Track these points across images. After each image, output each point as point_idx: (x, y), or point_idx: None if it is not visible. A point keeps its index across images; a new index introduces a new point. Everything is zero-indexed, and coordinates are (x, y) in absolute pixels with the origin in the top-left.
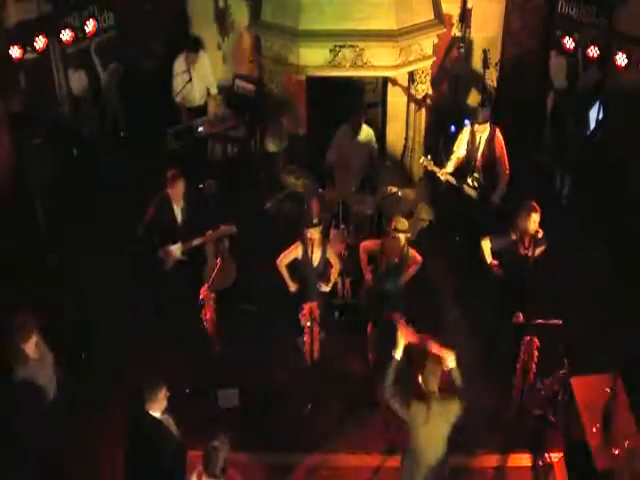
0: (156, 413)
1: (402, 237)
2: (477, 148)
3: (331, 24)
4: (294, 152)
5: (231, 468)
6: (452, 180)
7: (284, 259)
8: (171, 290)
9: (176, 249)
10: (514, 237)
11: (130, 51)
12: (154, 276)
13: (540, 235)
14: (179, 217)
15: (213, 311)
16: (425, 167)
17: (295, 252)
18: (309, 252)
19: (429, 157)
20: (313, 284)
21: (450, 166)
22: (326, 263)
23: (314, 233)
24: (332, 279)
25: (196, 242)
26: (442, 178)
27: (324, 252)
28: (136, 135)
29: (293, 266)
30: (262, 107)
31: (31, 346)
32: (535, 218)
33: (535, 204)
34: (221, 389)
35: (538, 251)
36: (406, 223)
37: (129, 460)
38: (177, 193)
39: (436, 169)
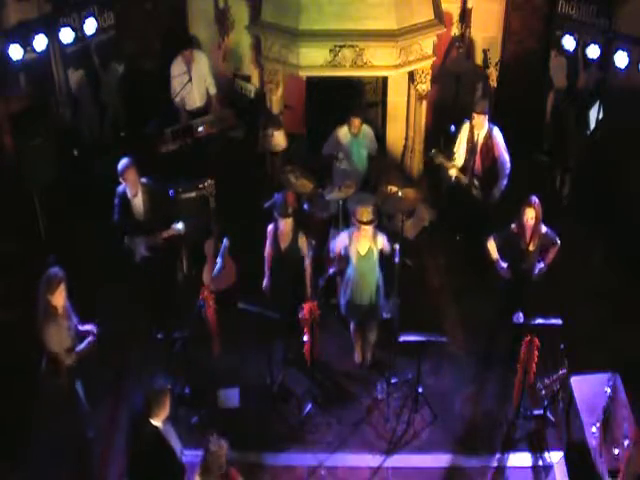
0: (159, 423)
1: (369, 229)
2: (476, 145)
3: (331, 24)
4: (294, 152)
5: (232, 468)
6: (460, 175)
7: (267, 250)
8: (171, 289)
9: (139, 243)
10: (515, 230)
11: (130, 51)
12: (153, 275)
13: (543, 230)
14: (140, 210)
15: (213, 311)
16: (433, 159)
17: (270, 236)
18: (279, 240)
19: (438, 149)
20: (283, 271)
21: (458, 161)
22: (295, 253)
23: (287, 223)
24: (308, 271)
25: (151, 240)
26: (450, 172)
27: (295, 241)
28: (136, 135)
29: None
30: (262, 107)
31: (59, 298)
32: (530, 214)
33: (532, 199)
34: (221, 389)
35: (551, 255)
36: (370, 214)
37: (130, 468)
38: (130, 185)
39: (445, 162)
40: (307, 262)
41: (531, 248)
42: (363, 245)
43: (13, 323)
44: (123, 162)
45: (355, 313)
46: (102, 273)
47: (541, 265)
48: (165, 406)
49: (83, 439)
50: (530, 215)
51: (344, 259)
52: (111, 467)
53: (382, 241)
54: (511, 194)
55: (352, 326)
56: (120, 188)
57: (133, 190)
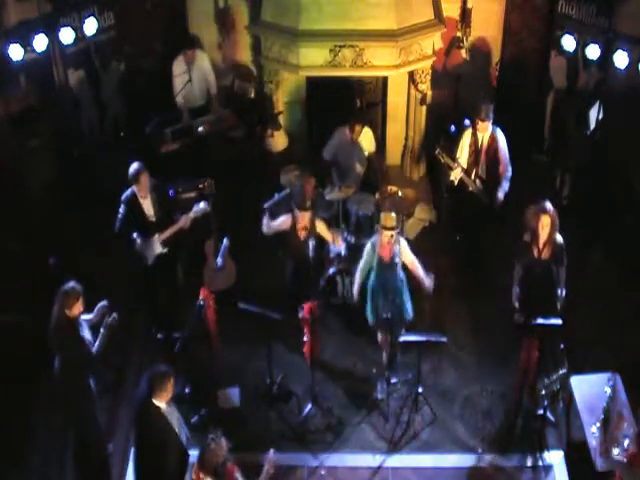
0: (161, 404)
1: (389, 234)
2: (480, 148)
3: (331, 24)
4: (294, 152)
5: (231, 464)
6: (466, 179)
7: (274, 226)
8: (171, 289)
9: (155, 241)
10: (527, 239)
11: (130, 51)
12: (154, 275)
13: (559, 240)
14: (151, 211)
15: (213, 311)
16: (439, 158)
17: (284, 225)
18: (298, 231)
19: (442, 149)
20: (303, 267)
21: (462, 163)
22: (314, 248)
23: (305, 215)
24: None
25: (171, 231)
26: (453, 176)
27: (312, 232)
28: (136, 135)
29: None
30: (262, 107)
31: (75, 312)
32: (545, 221)
33: (548, 207)
34: (221, 389)
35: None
36: (394, 220)
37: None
38: (142, 188)
39: (450, 162)
40: (331, 245)
41: (544, 256)
42: (386, 253)
43: (13, 325)
44: (135, 166)
45: (382, 324)
46: (102, 273)
47: (559, 293)
48: (168, 388)
49: (92, 438)
50: (546, 222)
51: (345, 259)
52: (111, 466)
53: (405, 250)
54: (511, 194)
55: (380, 337)
56: (128, 193)
57: (144, 192)
